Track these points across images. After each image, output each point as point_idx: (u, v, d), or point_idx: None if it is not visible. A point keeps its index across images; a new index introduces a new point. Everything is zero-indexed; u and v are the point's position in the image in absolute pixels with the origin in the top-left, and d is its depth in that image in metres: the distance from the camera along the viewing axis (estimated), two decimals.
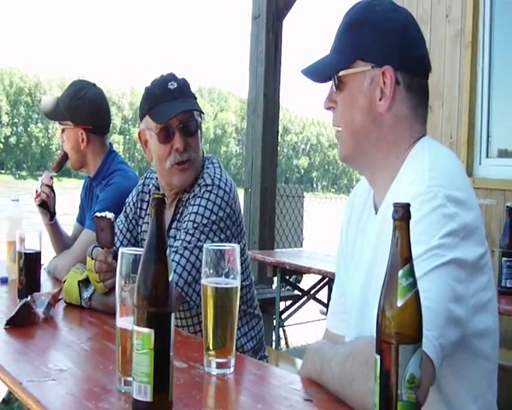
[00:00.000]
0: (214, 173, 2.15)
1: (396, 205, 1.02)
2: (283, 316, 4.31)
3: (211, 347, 1.43)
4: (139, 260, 1.31)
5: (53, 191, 2.80)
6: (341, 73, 1.46)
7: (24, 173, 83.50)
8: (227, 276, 1.45)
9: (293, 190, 6.31)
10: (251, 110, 5.54)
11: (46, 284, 2.39)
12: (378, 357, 1.02)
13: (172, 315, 1.17)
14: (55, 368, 1.44)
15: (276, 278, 4.17)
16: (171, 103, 2.12)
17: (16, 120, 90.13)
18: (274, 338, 4.29)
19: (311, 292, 4.37)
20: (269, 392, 1.32)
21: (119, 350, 1.31)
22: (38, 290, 2.08)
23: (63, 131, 2.88)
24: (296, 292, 4.90)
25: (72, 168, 2.98)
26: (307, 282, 4.87)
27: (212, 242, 2.03)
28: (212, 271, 1.45)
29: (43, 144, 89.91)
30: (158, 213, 1.19)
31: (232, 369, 1.44)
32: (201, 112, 2.19)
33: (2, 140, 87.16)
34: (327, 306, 4.41)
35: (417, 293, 1.01)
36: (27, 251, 2.13)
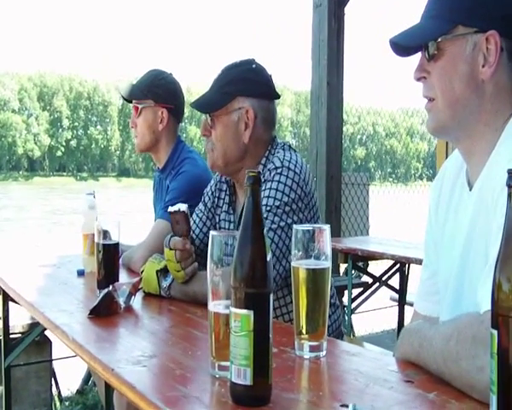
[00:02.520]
0: (284, 156, 2.11)
1: (510, 171, 0.95)
2: (353, 304, 4.22)
3: (304, 331, 1.38)
4: (230, 242, 1.28)
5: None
6: (441, 39, 1.38)
7: (85, 175, 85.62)
8: (317, 257, 1.40)
9: (358, 179, 6.21)
10: (314, 99, 5.47)
11: (121, 276, 2.40)
12: (495, 332, 0.95)
13: (271, 296, 1.13)
14: (143, 355, 1.42)
15: (345, 266, 4.08)
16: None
17: (76, 124, 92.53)
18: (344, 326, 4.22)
19: (383, 278, 4.27)
20: (367, 374, 1.26)
21: (213, 335, 1.27)
22: (117, 281, 2.07)
23: (140, 113, 2.88)
24: (363, 280, 4.81)
25: (140, 149, 2.96)
26: (374, 269, 4.78)
27: (286, 224, 2.00)
28: (301, 252, 1.41)
29: (102, 146, 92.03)
30: (254, 191, 1.14)
31: (325, 352, 1.39)
32: (208, 110, 2.20)
33: (64, 144, 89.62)
34: (398, 292, 4.32)
35: None
36: (106, 242, 2.13)
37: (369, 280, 4.44)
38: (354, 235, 5.94)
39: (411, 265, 4.02)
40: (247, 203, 1.16)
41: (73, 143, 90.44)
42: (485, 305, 1.16)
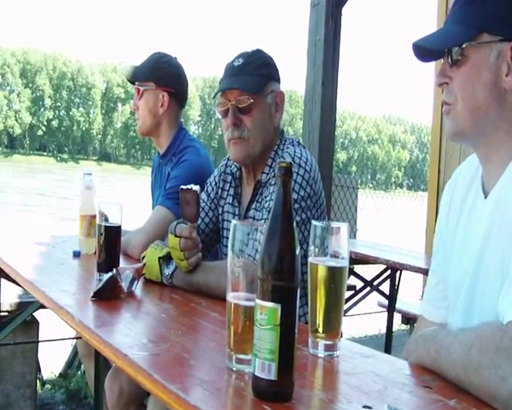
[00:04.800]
0: (294, 152, 2.10)
1: None
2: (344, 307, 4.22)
3: (320, 329, 1.37)
4: (253, 234, 1.26)
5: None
6: (465, 45, 1.38)
7: (65, 156, 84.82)
8: (334, 256, 1.39)
9: (348, 181, 6.22)
10: (308, 98, 5.46)
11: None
12: None
13: (298, 290, 1.11)
14: (153, 341, 1.40)
15: None
16: (227, 79, 2.16)
17: (58, 104, 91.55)
18: None
19: (374, 283, 4.28)
20: (384, 377, 1.25)
21: (231, 327, 1.25)
22: (118, 265, 2.04)
23: (142, 95, 2.85)
24: (351, 283, 4.81)
25: (141, 133, 2.92)
26: (360, 273, 4.79)
27: (294, 221, 1.98)
28: (318, 249, 1.39)
29: (84, 128, 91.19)
30: (285, 182, 1.13)
31: (338, 352, 1.38)
32: (250, 92, 2.13)
33: (45, 123, 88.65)
34: (388, 298, 4.33)
35: None
36: (108, 224, 2.09)
37: (357, 284, 4.45)
38: None
39: (403, 272, 4.03)
40: (277, 194, 1.14)
41: (55, 123, 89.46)
42: (509, 315, 1.16)
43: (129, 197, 21.39)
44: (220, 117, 2.22)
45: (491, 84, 1.37)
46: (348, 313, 4.43)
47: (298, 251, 1.12)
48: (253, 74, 2.15)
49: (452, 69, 1.42)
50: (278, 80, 2.23)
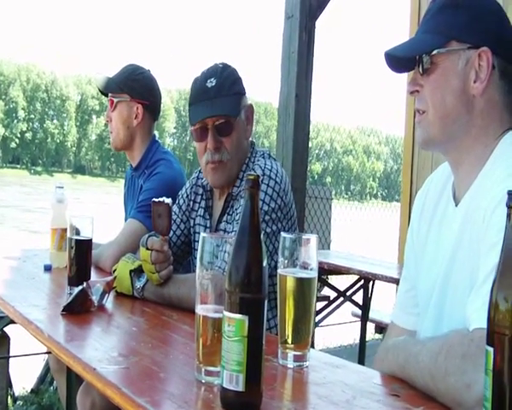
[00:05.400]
0: (265, 165, 2.11)
1: (510, 192, 0.96)
2: (317, 318, 4.25)
3: (289, 340, 1.38)
4: (221, 246, 1.27)
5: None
6: (435, 52, 1.41)
7: (39, 169, 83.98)
8: (303, 267, 1.40)
9: (322, 192, 6.26)
10: (282, 110, 5.48)
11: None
12: (491, 349, 0.96)
13: (266, 302, 1.12)
14: (123, 355, 1.40)
15: None
16: (204, 104, 2.11)
17: (32, 116, 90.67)
18: None
19: (347, 293, 4.30)
20: (353, 386, 1.26)
21: (200, 340, 1.26)
22: (89, 279, 2.03)
23: (115, 107, 2.83)
24: (324, 293, 4.83)
25: (115, 147, 2.91)
26: (335, 284, 4.82)
27: (265, 233, 2.00)
28: (288, 260, 1.40)
29: (58, 141, 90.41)
30: (252, 194, 1.14)
31: (308, 362, 1.39)
32: (233, 116, 2.12)
33: (19, 135, 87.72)
34: (362, 308, 4.36)
35: None
36: (79, 238, 2.08)
37: (331, 294, 4.48)
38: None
39: (376, 282, 4.07)
40: (244, 207, 1.15)
41: (28, 135, 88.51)
42: (475, 323, 1.18)
43: (103, 210, 21.23)
44: (195, 140, 2.18)
45: (460, 91, 1.41)
46: (322, 324, 4.46)
47: (265, 263, 1.13)
48: (229, 95, 2.13)
49: (423, 77, 1.45)
50: (245, 92, 2.23)
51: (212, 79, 2.12)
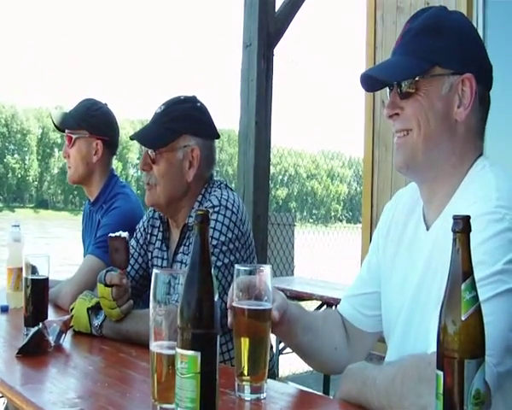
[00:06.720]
0: (221, 195, 2.12)
1: (456, 217, 0.99)
2: (281, 345, 4.23)
3: (245, 372, 1.37)
4: (174, 281, 1.27)
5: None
6: (418, 78, 1.41)
7: (0, 205, 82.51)
8: (258, 298, 1.40)
9: (284, 219, 6.29)
10: (242, 138, 5.52)
11: (48, 313, 2.31)
12: (441, 373, 0.97)
13: (218, 337, 1.12)
14: (79, 397, 1.38)
15: None
16: (141, 127, 2.29)
17: None
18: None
19: None
20: None
21: (155, 376, 1.25)
22: (46, 318, 2.00)
23: (74, 143, 2.81)
24: None
25: (73, 181, 2.88)
26: None
27: (223, 264, 2.00)
28: (242, 293, 1.40)
29: (19, 176, 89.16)
30: (202, 229, 1.14)
31: (265, 394, 1.39)
32: (150, 146, 2.16)
33: None
34: None
35: (480, 307, 0.97)
36: (35, 277, 2.05)
37: None
38: (280, 275, 5.98)
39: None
40: (194, 242, 1.15)
41: None
42: (433, 346, 1.19)
43: (65, 245, 20.85)
44: None
45: (444, 115, 1.40)
46: (287, 351, 4.44)
47: (217, 298, 1.13)
48: (163, 127, 2.15)
49: (402, 101, 1.43)
50: (198, 134, 2.19)
51: (162, 106, 2.19)
